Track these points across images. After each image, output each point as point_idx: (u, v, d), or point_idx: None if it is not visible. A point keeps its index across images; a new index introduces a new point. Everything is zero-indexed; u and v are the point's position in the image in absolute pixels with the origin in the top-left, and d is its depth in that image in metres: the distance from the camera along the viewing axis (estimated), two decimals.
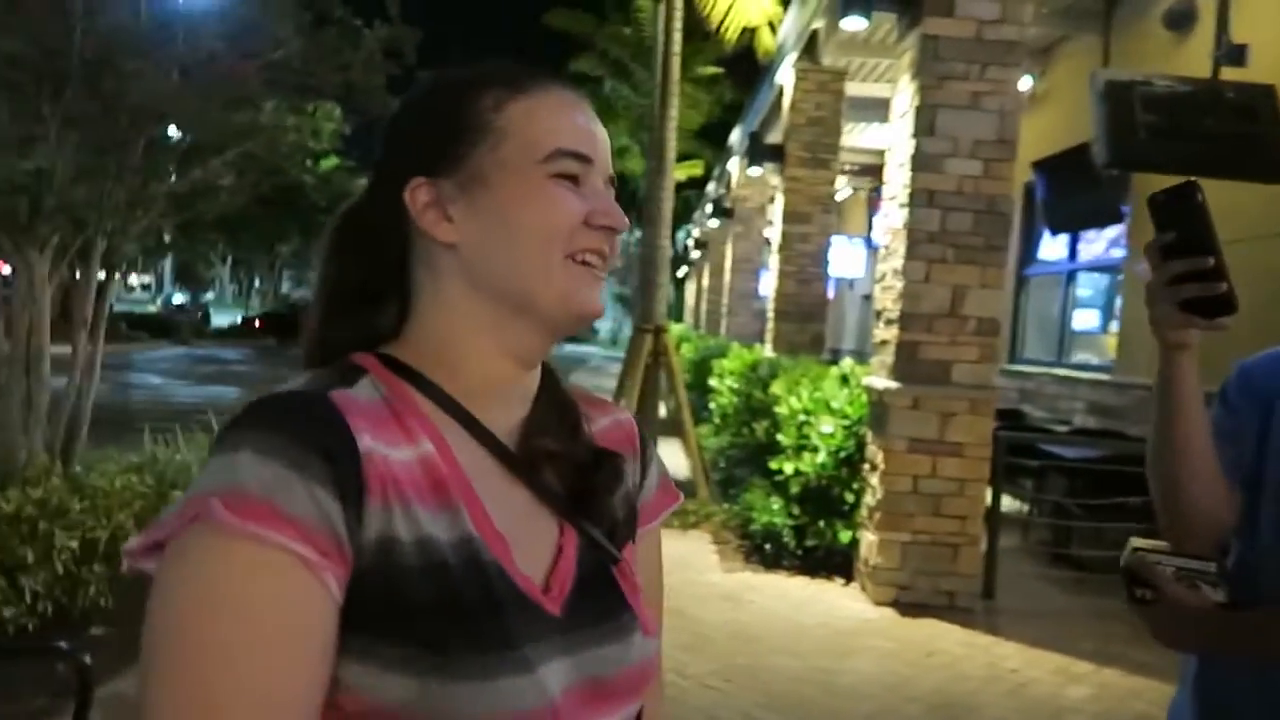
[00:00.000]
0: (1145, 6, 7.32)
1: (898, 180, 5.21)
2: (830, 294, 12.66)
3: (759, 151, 10.32)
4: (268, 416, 0.65)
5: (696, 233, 23.63)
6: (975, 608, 4.94)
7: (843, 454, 5.39)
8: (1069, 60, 8.58)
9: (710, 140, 22.93)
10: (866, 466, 5.22)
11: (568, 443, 0.79)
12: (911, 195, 4.97)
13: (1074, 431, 6.96)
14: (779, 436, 5.98)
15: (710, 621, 4.53)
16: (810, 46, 8.86)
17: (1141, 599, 1.17)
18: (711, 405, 10.11)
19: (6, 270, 4.70)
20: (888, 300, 5.20)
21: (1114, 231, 8.04)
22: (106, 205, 4.28)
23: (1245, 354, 1.31)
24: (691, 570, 5.41)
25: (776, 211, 9.62)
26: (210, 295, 40.02)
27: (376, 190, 0.78)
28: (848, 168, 13.45)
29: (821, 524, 5.47)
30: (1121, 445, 5.93)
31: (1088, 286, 9.09)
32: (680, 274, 32.46)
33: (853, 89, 9.40)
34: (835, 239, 11.77)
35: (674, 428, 8.25)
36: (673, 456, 8.45)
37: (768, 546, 5.63)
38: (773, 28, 12.43)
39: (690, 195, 26.21)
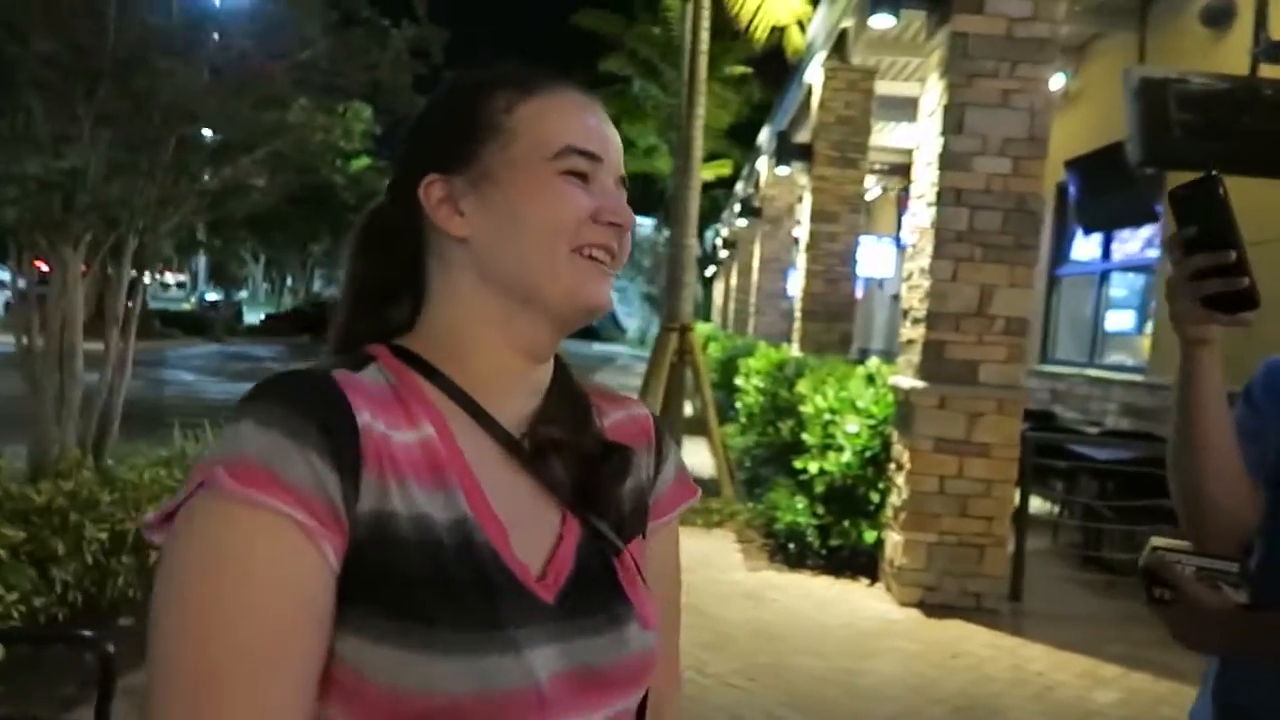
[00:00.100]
0: (1182, 3, 7.20)
1: (925, 179, 5.17)
2: (859, 294, 12.59)
3: (787, 151, 10.27)
4: (272, 391, 0.67)
5: (725, 232, 23.57)
6: (1002, 610, 4.89)
7: (868, 453, 5.35)
8: (1103, 58, 8.46)
9: (739, 140, 22.84)
10: (892, 466, 5.19)
11: (575, 433, 0.80)
12: (939, 194, 4.92)
13: (1105, 433, 6.87)
14: (804, 436, 5.95)
15: (733, 620, 4.52)
16: (839, 45, 8.81)
17: (1160, 599, 1.15)
18: (738, 404, 10.08)
19: (42, 268, 4.76)
20: (914, 299, 5.16)
21: (1148, 231, 7.92)
22: (138, 203, 4.34)
23: (1270, 353, 1.29)
24: (715, 569, 5.40)
25: (804, 211, 9.58)
26: (244, 293, 40.51)
27: (396, 188, 0.81)
28: (877, 167, 13.37)
29: (846, 524, 5.44)
30: (1153, 447, 5.83)
31: (1121, 286, 8.96)
32: (708, 274, 32.40)
33: (882, 88, 9.33)
34: (864, 239, 11.70)
35: (699, 426, 8.24)
36: (698, 455, 8.44)
37: (792, 546, 5.61)
38: (801, 26, 12.39)
39: (719, 195, 26.17)
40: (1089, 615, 4.98)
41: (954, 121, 4.90)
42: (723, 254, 25.24)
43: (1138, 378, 7.62)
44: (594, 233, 0.76)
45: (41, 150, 4.08)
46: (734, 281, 20.92)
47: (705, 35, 8.26)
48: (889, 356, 9.68)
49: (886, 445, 5.28)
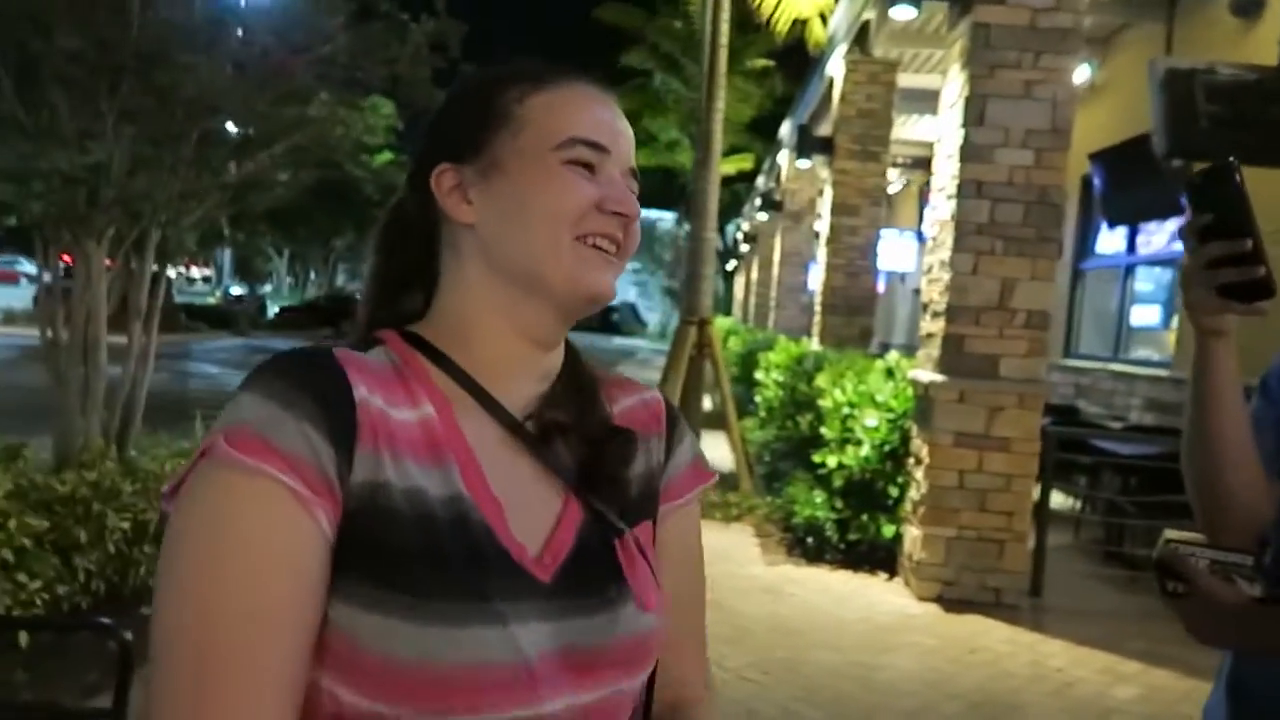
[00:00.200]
0: None
1: (946, 171, 5.13)
2: (881, 288, 12.52)
3: (808, 144, 10.23)
4: (274, 366, 0.70)
5: (746, 226, 23.51)
6: (1022, 605, 4.86)
7: (887, 448, 5.33)
8: (1130, 49, 8.36)
9: (761, 133, 22.76)
10: (911, 460, 5.16)
11: (580, 417, 0.81)
12: (960, 186, 4.89)
13: (1128, 428, 6.80)
14: (823, 430, 5.92)
15: (750, 614, 4.51)
16: (861, 38, 8.76)
17: (1173, 592, 1.14)
18: (757, 398, 10.06)
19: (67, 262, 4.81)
20: (934, 292, 5.13)
21: (1175, 224, 7.83)
22: (160, 197, 4.38)
23: None
24: (733, 563, 5.39)
25: (825, 204, 9.54)
26: (268, 288, 40.83)
27: (412, 178, 0.83)
28: (899, 160, 13.28)
29: (865, 518, 5.42)
30: (1178, 443, 5.70)
31: (1147, 280, 8.86)
32: (730, 268, 32.33)
33: (904, 80, 9.27)
34: (885, 232, 11.64)
35: (718, 420, 8.23)
36: (716, 449, 8.43)
37: (810, 540, 5.59)
38: (823, 19, 12.31)
39: (740, 189, 26.08)
40: (1110, 611, 4.94)
41: (975, 113, 4.86)
42: (744, 248, 25.18)
43: (1163, 373, 7.54)
44: (598, 222, 0.77)
45: (66, 145, 4.12)
46: (755, 275, 20.87)
47: (725, 28, 8.23)
48: (910, 351, 9.61)
49: (905, 439, 5.25)
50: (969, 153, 4.87)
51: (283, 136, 4.87)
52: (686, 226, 8.80)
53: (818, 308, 9.43)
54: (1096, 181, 7.66)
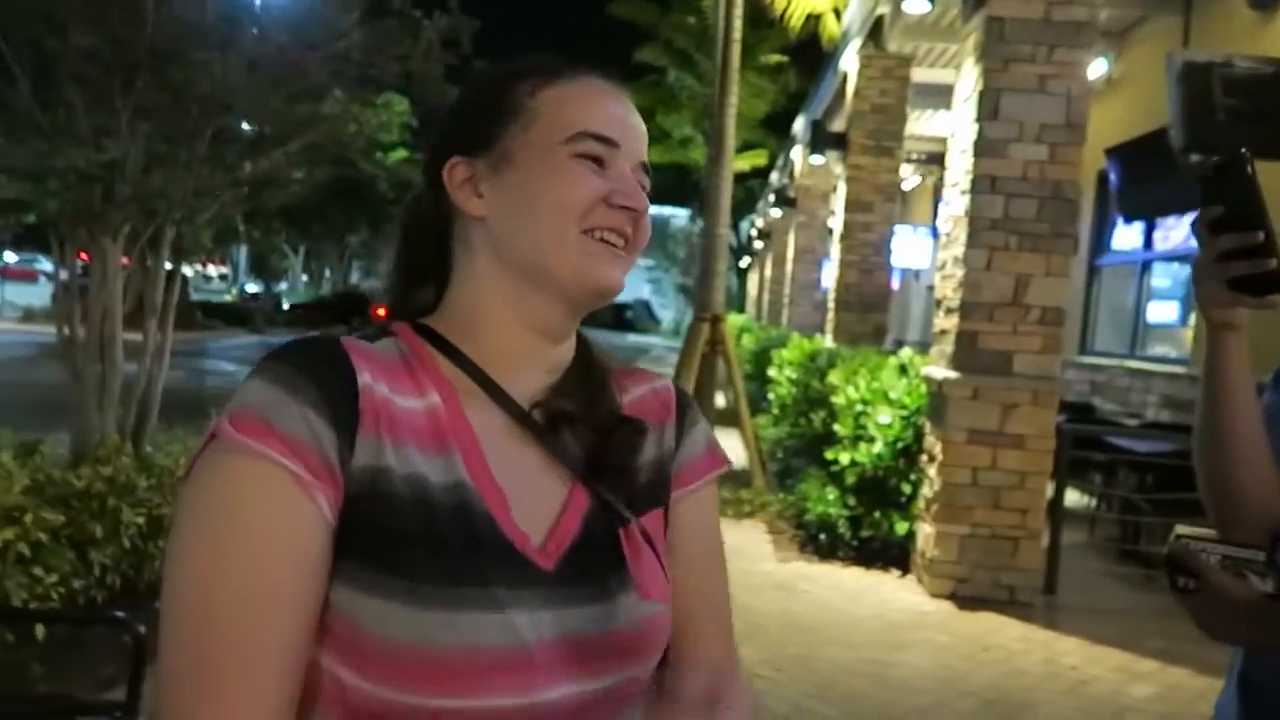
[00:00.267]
0: None
1: (959, 166, 5.10)
2: (895, 285, 12.47)
3: (821, 139, 10.20)
4: (282, 353, 0.71)
5: (760, 223, 23.45)
6: (1036, 603, 4.84)
7: (900, 444, 5.31)
8: (1147, 43, 8.29)
9: (775, 129, 22.70)
10: (924, 457, 5.14)
11: (588, 407, 0.81)
12: (974, 181, 4.86)
13: (1145, 425, 6.75)
14: (836, 427, 5.91)
15: (763, 611, 4.50)
16: (875, 32, 8.72)
17: (1185, 588, 1.13)
18: (770, 396, 10.05)
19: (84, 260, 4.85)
20: (948, 289, 5.10)
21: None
22: (175, 194, 4.40)
23: None
24: (746, 559, 5.39)
25: (839, 200, 9.51)
26: (283, 285, 41.00)
27: (427, 171, 0.84)
28: (914, 156, 13.23)
29: (877, 515, 5.40)
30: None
31: (1164, 277, 8.78)
32: (743, 265, 32.26)
33: (919, 75, 9.23)
34: (900, 229, 11.60)
35: (731, 418, 8.22)
36: (729, 446, 8.42)
37: (823, 537, 5.58)
38: (837, 14, 12.28)
39: (754, 185, 26.02)
40: (1126, 609, 4.91)
41: (989, 107, 4.83)
42: (757, 245, 25.12)
43: (1180, 370, 7.48)
44: (606, 216, 0.78)
45: (82, 143, 4.15)
46: (768, 272, 20.83)
47: (738, 24, 8.21)
48: (925, 348, 9.58)
49: (919, 436, 5.23)
50: (983, 148, 4.84)
51: (297, 134, 4.89)
52: (700, 223, 8.77)
53: (831, 304, 9.41)
54: (1113, 176, 7.61)
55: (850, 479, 5.57)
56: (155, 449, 4.55)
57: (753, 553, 5.57)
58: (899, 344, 10.39)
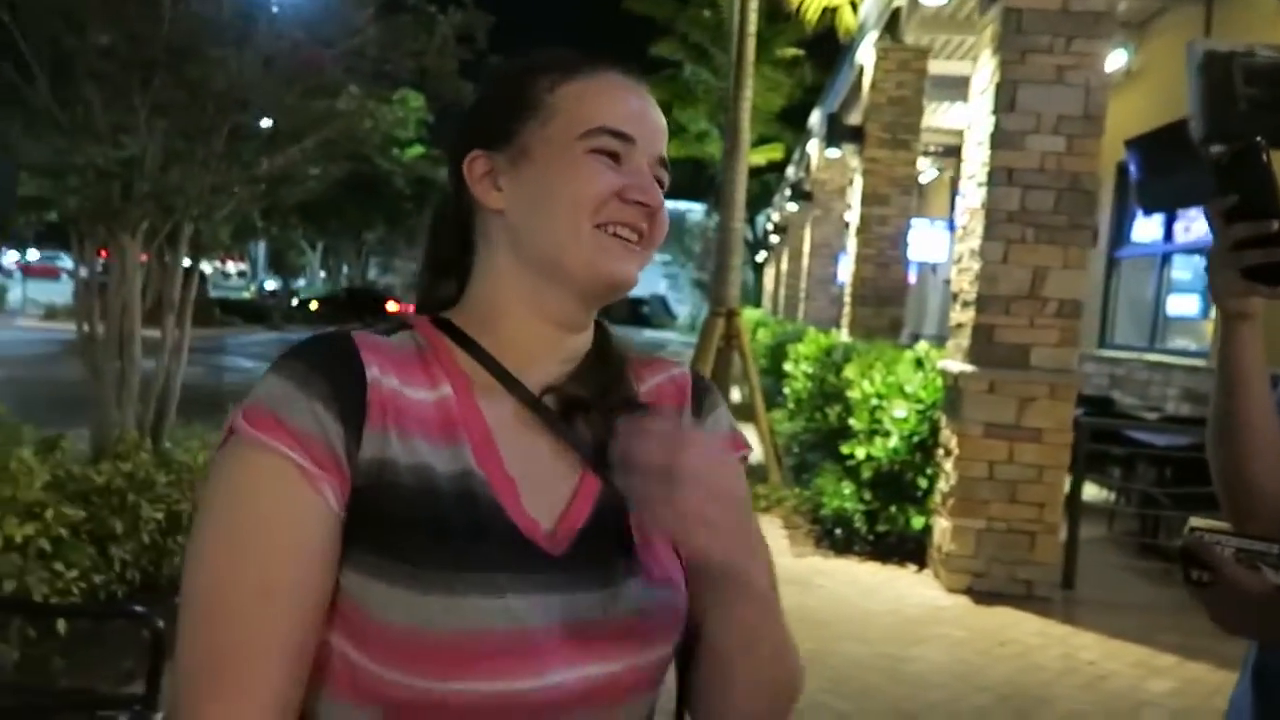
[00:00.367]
0: None
1: (976, 158, 5.07)
2: (912, 279, 12.41)
3: (838, 132, 10.15)
4: (296, 349, 0.75)
5: (776, 217, 23.38)
6: (1054, 597, 4.81)
7: (916, 439, 5.29)
8: (1167, 33, 8.21)
9: (791, 123, 22.60)
10: (940, 451, 5.11)
11: (602, 394, 0.82)
12: (990, 173, 4.83)
13: (1163, 418, 6.70)
14: (851, 421, 5.89)
15: None
16: (892, 24, 8.67)
17: (1198, 581, 1.12)
18: (786, 390, 10.02)
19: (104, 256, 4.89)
20: (964, 282, 5.07)
21: None
22: (192, 191, 4.43)
23: None
24: None
25: (855, 194, 9.47)
26: (301, 282, 41.19)
27: (450, 166, 0.85)
28: (930, 149, 13.15)
29: (893, 509, 5.39)
30: None
31: (1184, 269, 8.70)
32: (759, 259, 32.17)
33: (936, 67, 9.16)
34: (917, 222, 11.53)
35: (747, 412, 8.20)
36: None
37: (838, 531, 5.57)
38: (854, 6, 12.22)
39: (770, 179, 25.94)
40: (1144, 604, 4.87)
41: (1006, 99, 4.79)
42: (773, 239, 25.05)
43: (1200, 362, 7.41)
44: (620, 211, 0.78)
45: (100, 140, 4.18)
46: (784, 267, 20.78)
47: (754, 17, 8.18)
48: (942, 342, 9.54)
49: (935, 430, 5.20)
50: (999, 139, 4.81)
51: (313, 130, 4.91)
52: (715, 218, 8.76)
53: (847, 299, 9.37)
54: (1132, 168, 7.53)
55: (866, 473, 5.55)
56: (174, 445, 4.58)
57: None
58: (915, 338, 10.35)
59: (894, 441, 5.35)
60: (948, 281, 15.42)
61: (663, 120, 0.83)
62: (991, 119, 4.84)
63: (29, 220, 5.69)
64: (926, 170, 15.71)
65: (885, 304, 9.05)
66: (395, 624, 0.68)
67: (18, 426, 3.83)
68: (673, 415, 0.71)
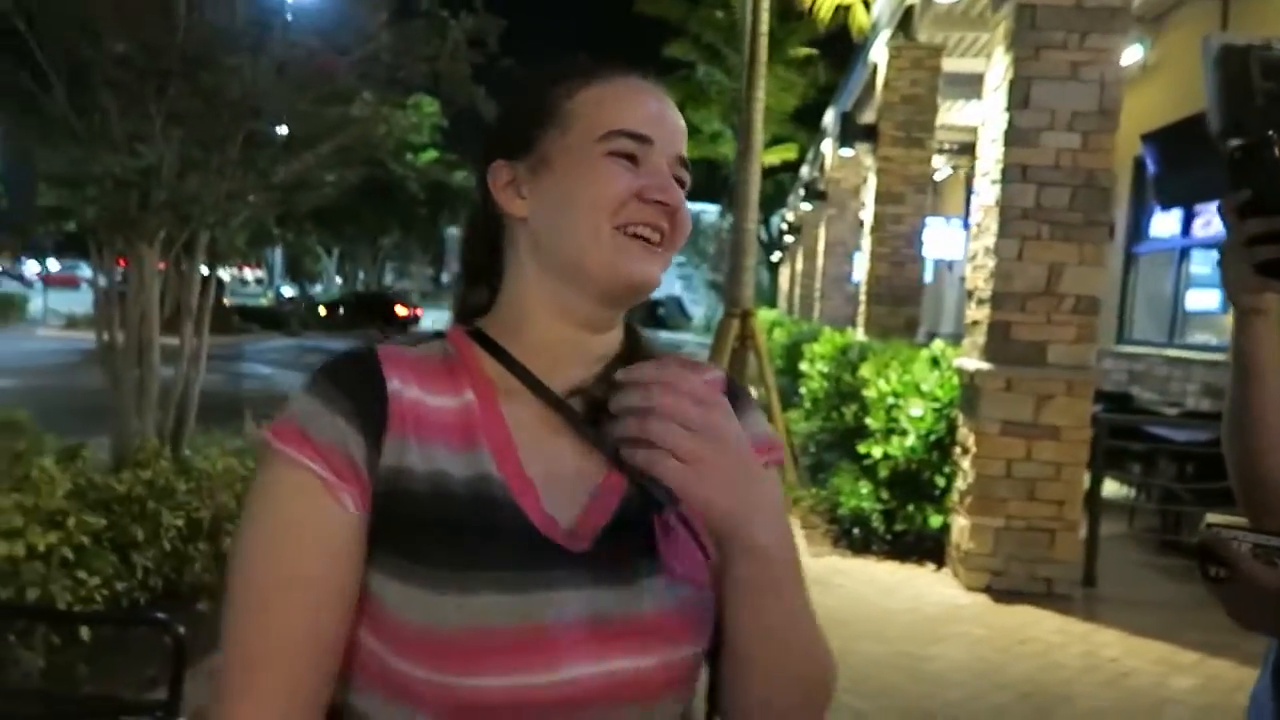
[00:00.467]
0: None
1: (990, 155, 5.05)
2: (928, 277, 12.35)
3: (851, 131, 10.11)
4: (325, 366, 0.79)
5: (790, 217, 23.32)
6: (1074, 595, 4.78)
7: (933, 437, 5.27)
8: (1183, 27, 8.14)
9: (805, 123, 22.57)
10: (957, 450, 5.09)
11: None
12: (1004, 170, 4.80)
13: (1184, 414, 6.64)
14: (868, 420, 5.87)
15: None
16: (905, 22, 8.65)
17: (1215, 577, 1.11)
18: (802, 390, 10.00)
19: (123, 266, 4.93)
20: (979, 279, 5.05)
21: None
22: (208, 198, 4.46)
23: None
24: None
25: (869, 192, 9.43)
26: (318, 288, 41.43)
27: (477, 179, 0.88)
28: (945, 146, 13.09)
29: (911, 508, 5.37)
30: None
31: (1203, 264, 8.62)
32: (774, 259, 32.11)
33: (949, 65, 9.13)
34: (932, 220, 11.49)
35: (763, 412, 8.19)
36: None
37: (856, 531, 5.55)
38: (866, 5, 12.17)
39: (785, 179, 25.90)
40: (1166, 601, 4.83)
41: (1020, 96, 4.77)
42: (788, 239, 24.99)
43: (1220, 357, 7.34)
44: (639, 211, 0.79)
45: (117, 149, 4.22)
46: (799, 266, 20.72)
47: (766, 17, 8.17)
48: (959, 340, 9.49)
49: (952, 428, 5.18)
50: (1013, 136, 4.79)
51: (327, 136, 4.94)
52: (730, 218, 8.75)
53: (863, 298, 9.34)
54: (1149, 163, 7.49)
55: (883, 472, 5.53)
56: (193, 452, 4.61)
57: None
58: (932, 336, 10.30)
59: (911, 440, 5.33)
60: (963, 279, 15.35)
61: (681, 121, 0.84)
62: (1005, 116, 4.82)
63: (48, 230, 5.75)
64: (941, 168, 15.65)
65: (901, 303, 9.02)
66: (412, 622, 0.72)
67: (40, 435, 3.87)
68: (667, 363, 0.71)
